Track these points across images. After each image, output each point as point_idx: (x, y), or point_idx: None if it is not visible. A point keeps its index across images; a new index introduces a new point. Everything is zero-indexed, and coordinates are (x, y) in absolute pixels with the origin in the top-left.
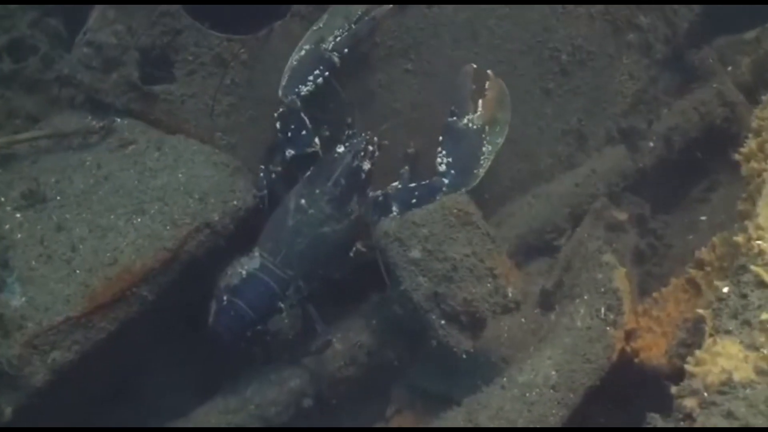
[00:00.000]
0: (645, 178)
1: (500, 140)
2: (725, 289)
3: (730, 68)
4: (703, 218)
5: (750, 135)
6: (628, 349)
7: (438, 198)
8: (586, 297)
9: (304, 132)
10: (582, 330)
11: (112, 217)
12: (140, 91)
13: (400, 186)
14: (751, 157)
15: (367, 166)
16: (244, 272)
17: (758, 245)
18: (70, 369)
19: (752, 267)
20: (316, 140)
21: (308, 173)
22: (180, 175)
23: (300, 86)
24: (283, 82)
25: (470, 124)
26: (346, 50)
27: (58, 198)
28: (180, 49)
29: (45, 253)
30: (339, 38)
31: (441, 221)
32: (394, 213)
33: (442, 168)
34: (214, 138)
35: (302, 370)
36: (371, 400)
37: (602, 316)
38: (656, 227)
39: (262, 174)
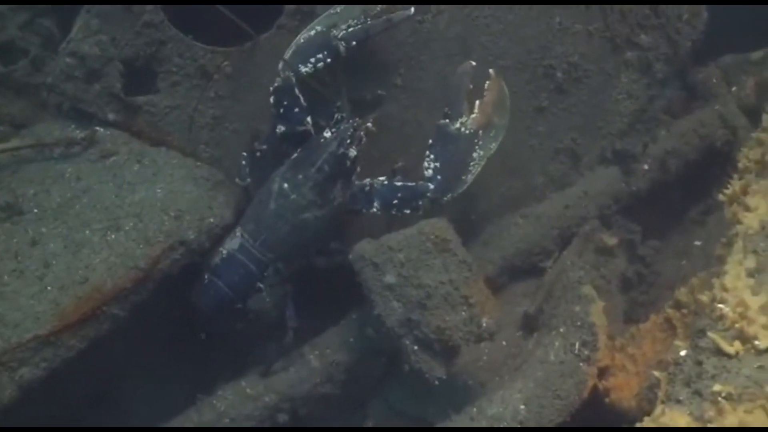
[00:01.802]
0: (639, 201)
1: (494, 145)
2: (683, 353)
3: (734, 88)
4: (698, 243)
5: (735, 176)
6: (600, 386)
7: (420, 203)
8: (562, 330)
9: (297, 109)
10: (555, 364)
11: (87, 232)
12: (123, 102)
13: (386, 182)
14: (734, 200)
15: (353, 153)
16: (224, 252)
17: (720, 309)
18: (39, 385)
19: (710, 334)
20: (308, 119)
21: (294, 156)
22: (158, 190)
23: (300, 64)
24: (286, 56)
25: (463, 128)
26: (354, 43)
27: (36, 211)
28: (164, 60)
29: (18, 268)
30: (351, 29)
31: (417, 247)
32: (375, 209)
33: (429, 173)
34: (198, 150)
35: (278, 386)
36: (348, 415)
37: (576, 351)
38: (645, 254)
39: (243, 162)
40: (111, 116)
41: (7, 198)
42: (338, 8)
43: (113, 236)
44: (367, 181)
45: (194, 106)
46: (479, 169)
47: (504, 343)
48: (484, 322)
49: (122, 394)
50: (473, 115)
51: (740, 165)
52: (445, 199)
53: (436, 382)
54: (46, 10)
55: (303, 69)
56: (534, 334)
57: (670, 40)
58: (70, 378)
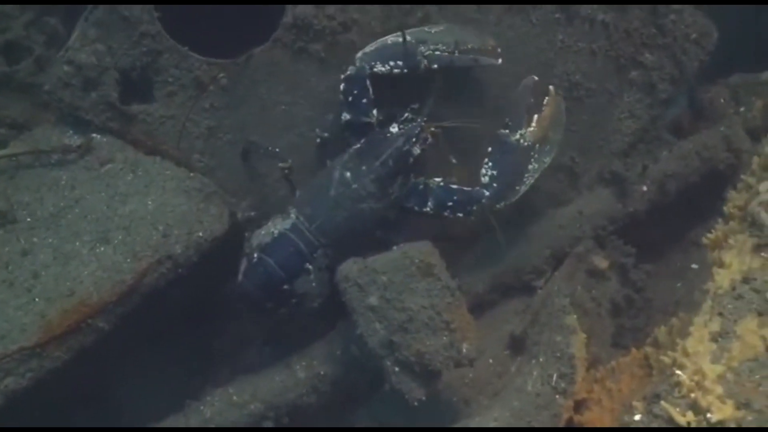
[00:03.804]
0: (635, 222)
1: (548, 159)
2: (637, 417)
3: (742, 109)
4: (695, 266)
5: (720, 220)
6: (575, 419)
7: (474, 209)
8: (541, 359)
9: (364, 100)
10: (531, 395)
11: (77, 243)
12: (119, 110)
13: (442, 183)
14: (716, 246)
15: (417, 151)
16: (276, 231)
17: (677, 376)
18: (24, 395)
19: (663, 403)
20: (374, 112)
21: (358, 146)
22: (149, 202)
23: (377, 62)
24: (367, 49)
25: (521, 140)
26: (436, 66)
27: (28, 219)
28: (160, 70)
29: (8, 278)
30: (438, 53)
31: (402, 270)
32: (428, 209)
33: (485, 180)
34: (192, 160)
35: (264, 394)
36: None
37: (553, 383)
38: (637, 279)
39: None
40: (107, 124)
41: (2, 205)
42: (433, 29)
43: (102, 249)
44: (422, 179)
45: (186, 117)
46: (532, 181)
47: (491, 361)
48: (465, 347)
49: (113, 396)
50: (531, 128)
51: (725, 209)
52: (498, 206)
53: (416, 404)
54: (52, 8)
55: (378, 68)
56: (518, 358)
57: (676, 60)
58: (58, 383)
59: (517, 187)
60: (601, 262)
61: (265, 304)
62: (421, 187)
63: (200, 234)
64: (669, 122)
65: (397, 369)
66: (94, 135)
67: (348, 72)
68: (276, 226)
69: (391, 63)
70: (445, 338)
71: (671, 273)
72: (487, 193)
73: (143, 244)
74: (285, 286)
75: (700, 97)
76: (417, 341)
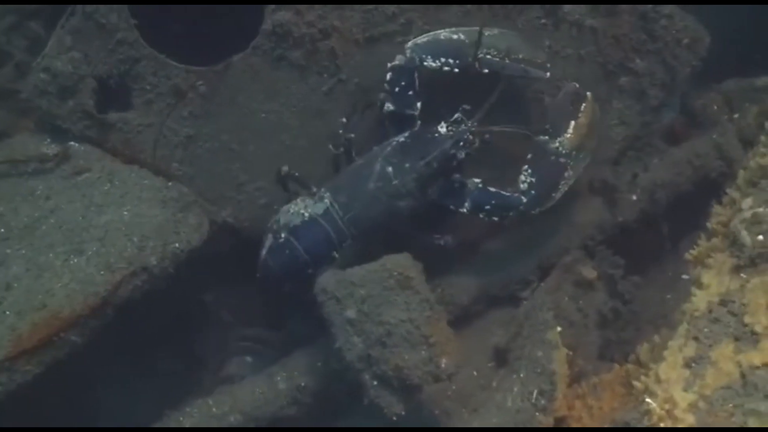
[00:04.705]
0: (625, 232)
1: (582, 166)
2: None
3: (736, 116)
4: (686, 277)
5: (703, 236)
6: None
7: (511, 214)
8: (522, 375)
9: (410, 92)
10: (511, 411)
11: (51, 255)
12: (96, 119)
13: (480, 185)
14: (699, 262)
15: (462, 155)
16: (306, 214)
17: (648, 404)
18: None
19: None
20: (419, 105)
21: (401, 140)
22: (125, 213)
23: (428, 56)
24: (418, 40)
25: (560, 148)
26: (486, 70)
27: (2, 230)
28: (138, 78)
29: None
30: (490, 57)
31: (380, 283)
32: (465, 209)
33: (524, 186)
34: (171, 168)
35: (243, 406)
36: None
37: (533, 400)
38: (625, 291)
39: (341, 130)
40: (85, 133)
41: None
42: (487, 32)
43: (76, 260)
44: (459, 177)
45: (162, 124)
46: (566, 188)
47: (474, 373)
48: (444, 362)
49: (90, 406)
50: (568, 135)
51: (709, 224)
52: (533, 213)
53: (394, 418)
54: (34, 12)
55: (428, 62)
56: (501, 370)
57: (667, 66)
58: (27, 399)
59: (553, 194)
60: (590, 273)
61: (284, 286)
62: (457, 185)
63: (176, 245)
64: (661, 129)
65: (375, 383)
66: (71, 143)
67: (396, 61)
68: (307, 209)
69: (443, 60)
70: (423, 353)
71: (662, 284)
72: (524, 200)
73: (117, 255)
74: (309, 271)
75: (693, 104)
76: (395, 356)
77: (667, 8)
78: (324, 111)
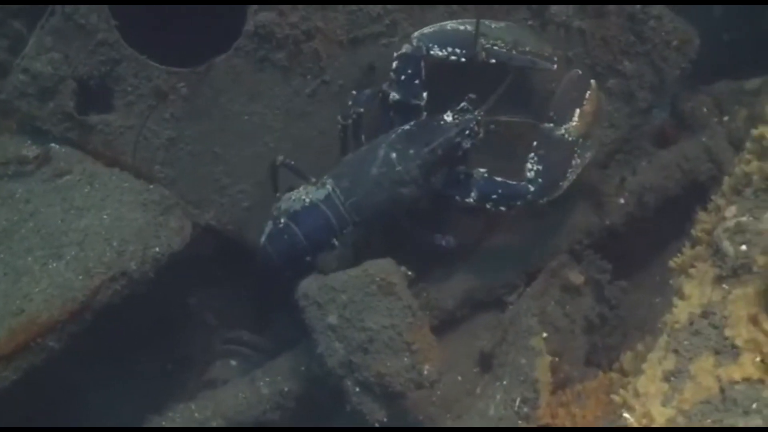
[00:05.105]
0: (613, 236)
1: (589, 155)
2: None
3: (726, 118)
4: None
5: (687, 243)
6: None
7: (519, 203)
8: (505, 382)
9: (417, 81)
10: (493, 419)
11: (29, 259)
12: (76, 121)
13: (486, 175)
14: (682, 271)
15: (467, 144)
16: (307, 200)
17: (625, 419)
18: None
19: None
20: (425, 95)
21: (407, 127)
22: (105, 217)
23: (434, 45)
24: (425, 30)
25: (566, 135)
26: (493, 60)
27: None
28: (119, 79)
29: None
30: (497, 48)
31: (362, 288)
32: (471, 199)
33: (531, 174)
34: (153, 171)
35: (225, 411)
36: None
37: (516, 408)
38: (612, 296)
39: (351, 102)
40: (66, 135)
41: None
42: (493, 24)
43: (54, 265)
44: (464, 168)
45: (142, 126)
46: (574, 177)
47: (459, 378)
48: (426, 369)
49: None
50: (574, 123)
51: (693, 232)
52: (541, 202)
53: (377, 425)
54: (17, 11)
55: (434, 50)
56: (485, 376)
57: (656, 68)
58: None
59: (561, 183)
60: (577, 278)
61: (284, 272)
62: (463, 176)
63: (157, 249)
64: (652, 131)
65: (357, 389)
66: (52, 145)
67: (402, 50)
68: (309, 195)
69: (449, 49)
70: (406, 360)
71: (650, 288)
72: (532, 189)
73: (96, 260)
74: (307, 258)
75: (683, 106)
76: (377, 362)
77: (656, 9)
78: (308, 113)
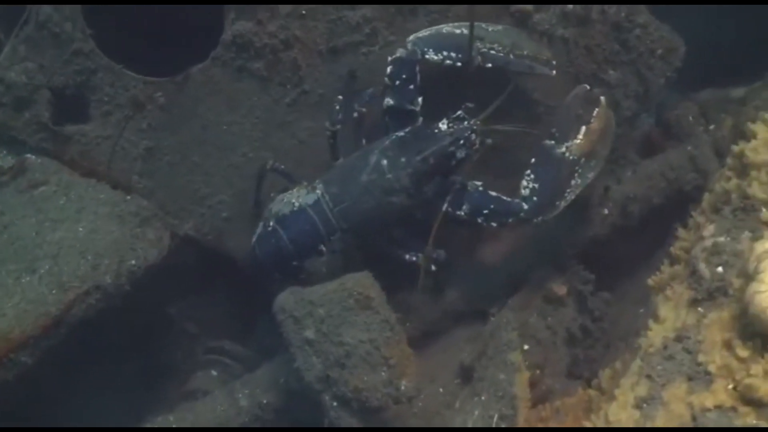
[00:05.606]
0: (597, 246)
1: (591, 175)
2: None
3: (712, 127)
4: None
5: (666, 260)
6: None
7: (510, 221)
8: (483, 397)
9: (411, 86)
10: None
11: (2, 273)
12: (52, 131)
13: (480, 188)
14: (661, 289)
15: (461, 155)
16: (296, 204)
17: None
18: None
19: None
20: (419, 100)
21: (401, 134)
22: (80, 229)
23: (430, 49)
24: (421, 34)
25: (567, 154)
26: (489, 65)
27: None
28: (95, 89)
29: None
30: (493, 52)
31: (339, 303)
32: (462, 212)
33: (525, 192)
34: (131, 181)
35: (204, 423)
36: None
37: (494, 424)
38: (594, 308)
39: (338, 106)
40: (41, 145)
41: None
42: (490, 27)
43: (27, 279)
44: (459, 179)
45: (118, 136)
46: (573, 197)
47: (441, 390)
48: (404, 384)
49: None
50: (577, 141)
51: (671, 250)
52: (535, 221)
53: None
54: None
55: (429, 55)
56: (465, 389)
57: (641, 77)
58: None
59: (557, 203)
60: (560, 289)
61: (273, 274)
62: (458, 187)
63: (132, 262)
64: (638, 139)
65: (335, 404)
66: (27, 156)
67: (397, 54)
68: (298, 198)
69: (445, 53)
70: (383, 374)
71: (635, 298)
72: (525, 207)
73: (71, 274)
74: (294, 263)
75: (668, 115)
76: (355, 377)
77: (642, 17)
78: (287, 123)
